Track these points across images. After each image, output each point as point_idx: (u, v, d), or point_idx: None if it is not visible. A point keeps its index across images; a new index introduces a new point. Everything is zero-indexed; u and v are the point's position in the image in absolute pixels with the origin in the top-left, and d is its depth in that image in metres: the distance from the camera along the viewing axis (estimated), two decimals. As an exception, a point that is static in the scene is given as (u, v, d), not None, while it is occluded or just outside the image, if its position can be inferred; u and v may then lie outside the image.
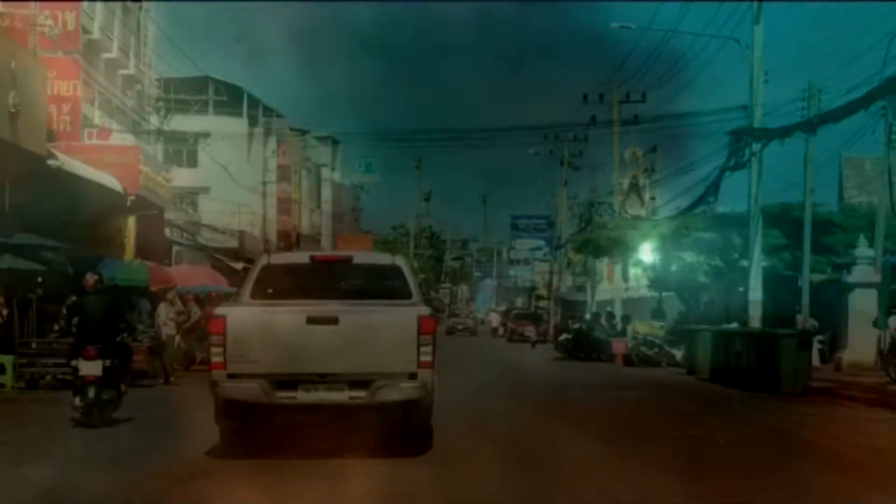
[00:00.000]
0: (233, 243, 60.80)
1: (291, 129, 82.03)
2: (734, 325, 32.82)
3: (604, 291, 75.36)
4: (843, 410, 22.66)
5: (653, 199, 60.59)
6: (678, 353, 36.70)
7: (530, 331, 62.09)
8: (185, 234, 55.78)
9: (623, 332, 40.74)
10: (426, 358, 13.00)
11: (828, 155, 37.05)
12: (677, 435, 17.29)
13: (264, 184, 72.37)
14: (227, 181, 66.66)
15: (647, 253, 38.04)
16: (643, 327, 38.42)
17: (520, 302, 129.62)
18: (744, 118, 36.01)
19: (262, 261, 14.80)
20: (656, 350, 37.18)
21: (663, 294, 49.78)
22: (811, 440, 17.34)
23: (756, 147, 34.69)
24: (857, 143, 35.91)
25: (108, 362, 17.52)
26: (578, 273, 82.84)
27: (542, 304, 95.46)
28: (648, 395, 25.69)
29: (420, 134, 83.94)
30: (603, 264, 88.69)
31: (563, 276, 73.98)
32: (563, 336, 47.69)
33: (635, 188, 67.50)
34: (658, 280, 45.80)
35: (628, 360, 37.60)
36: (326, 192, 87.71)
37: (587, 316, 46.75)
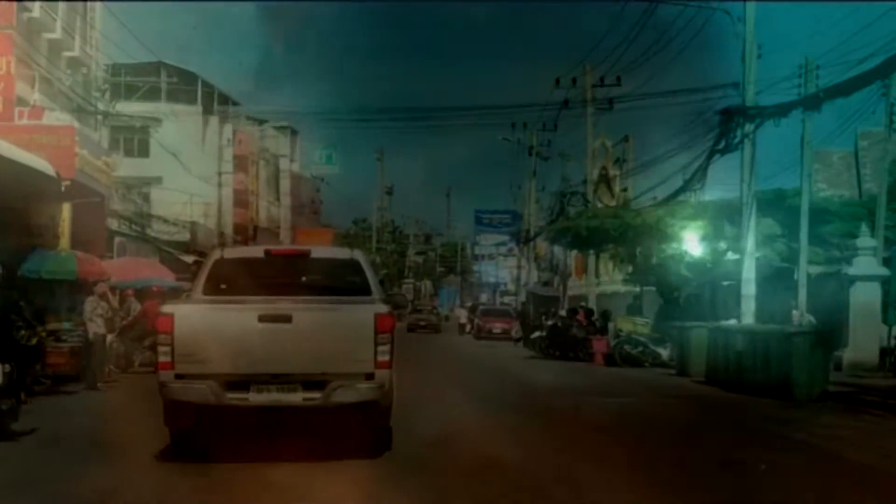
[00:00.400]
0: (184, 236, 57.13)
1: (249, 119, 78.53)
2: (732, 322, 29.53)
3: (573, 286, 72.20)
4: (873, 421, 19.46)
5: (624, 190, 57.32)
6: (664, 353, 33.48)
7: (499, 327, 58.80)
8: (133, 226, 52.06)
9: (603, 330, 37.43)
10: (384, 357, 12.38)
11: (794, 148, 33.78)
12: (707, 461, 13.95)
13: (219, 174, 68.68)
14: (181, 172, 63.14)
15: (692, 242, 34.04)
16: (626, 324, 35.11)
17: (484, 298, 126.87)
18: (736, 96, 32.84)
19: (215, 255, 14.20)
20: (641, 349, 33.91)
21: (641, 289, 46.70)
22: (864, 462, 14.11)
23: (749, 128, 31.49)
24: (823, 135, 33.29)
25: (6, 367, 14.90)
26: (545, 268, 79.69)
27: (508, 299, 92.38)
28: (646, 403, 22.33)
29: (382, 114, 79.28)
30: (571, 258, 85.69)
31: (530, 271, 70.61)
32: (536, 333, 44.39)
33: (605, 179, 64.95)
34: (638, 274, 42.54)
35: (610, 360, 34.31)
36: (285, 184, 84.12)
37: (561, 312, 43.39)
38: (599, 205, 49.09)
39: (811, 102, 28.84)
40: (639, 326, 34.90)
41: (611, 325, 36.65)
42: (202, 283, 13.68)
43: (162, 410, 12.75)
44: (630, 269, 44.14)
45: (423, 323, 67.87)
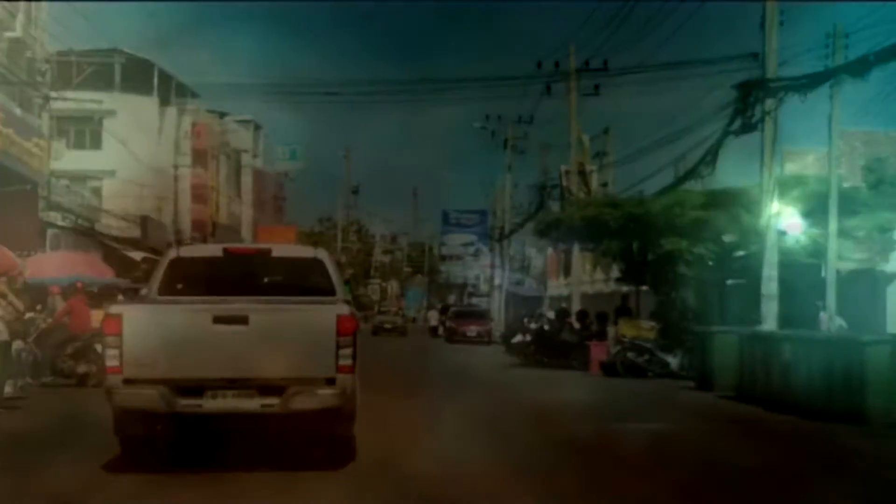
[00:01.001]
0: (136, 231, 51.88)
1: (209, 112, 73.32)
2: (767, 327, 24.72)
3: (549, 287, 67.46)
4: None
5: (605, 185, 52.40)
6: (673, 361, 28.68)
7: (474, 330, 53.85)
8: (78, 220, 46.76)
9: (600, 335, 32.53)
10: (345, 362, 11.49)
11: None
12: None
13: (175, 167, 63.40)
14: (136, 165, 57.97)
15: (793, 223, 28.56)
16: (630, 329, 30.12)
17: (452, 299, 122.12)
18: (755, 68, 28.15)
19: (171, 253, 13.47)
20: (646, 357, 29.04)
21: (632, 289, 41.88)
22: None
23: (770, 103, 26.81)
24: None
25: None
26: (516, 268, 74.82)
27: (476, 300, 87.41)
28: (686, 431, 17.36)
29: (350, 86, 73.69)
30: (545, 256, 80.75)
31: (505, 270, 65.62)
32: (518, 338, 39.46)
33: (582, 175, 61.12)
34: (632, 271, 37.65)
35: (609, 369, 29.40)
36: (247, 180, 78.90)
37: (548, 314, 38.45)
38: (583, 194, 44.11)
39: (856, 68, 23.97)
40: (644, 331, 29.96)
41: (611, 330, 31.68)
42: (157, 283, 13.02)
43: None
44: (622, 266, 39.28)
45: (388, 325, 63.01)
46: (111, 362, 11.41)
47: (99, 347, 17.77)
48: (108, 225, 51.55)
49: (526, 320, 41.01)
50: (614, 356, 29.35)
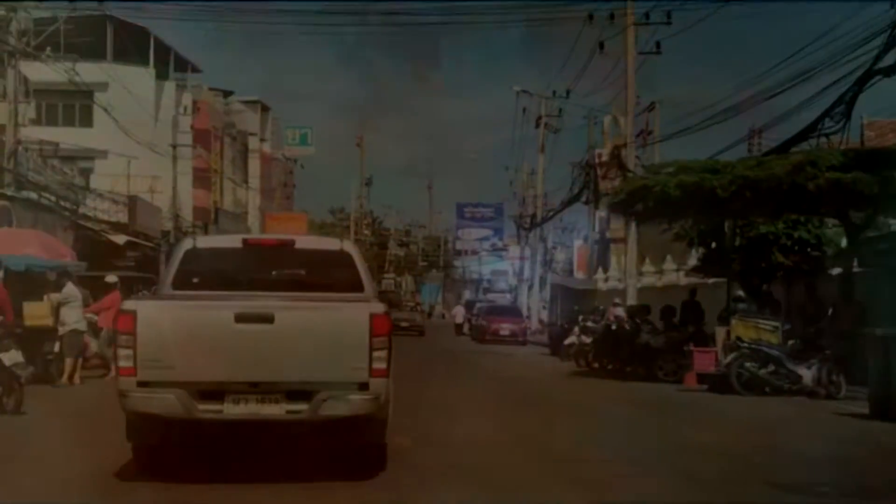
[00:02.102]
0: (124, 214, 43.94)
1: (212, 90, 65.52)
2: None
3: (584, 283, 59.62)
4: None
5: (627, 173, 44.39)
6: (807, 374, 20.73)
7: (507, 329, 45.88)
8: (60, 201, 38.93)
9: (701, 338, 24.54)
10: (380, 365, 10.15)
11: None
12: None
13: (174, 146, 55.42)
14: (131, 146, 50.17)
15: None
16: (747, 330, 21.97)
17: (467, 294, 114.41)
18: None
19: (186, 244, 11.95)
20: (771, 368, 21.03)
21: (703, 281, 34.02)
22: None
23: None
24: None
25: None
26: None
27: (492, 296, 79.60)
28: None
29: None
30: (573, 247, 72.74)
31: (535, 264, 57.57)
32: (572, 339, 31.59)
33: (617, 161, 53.54)
34: (713, 259, 29.72)
35: (719, 383, 21.43)
36: (254, 165, 71.00)
37: (616, 310, 30.37)
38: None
39: None
40: (765, 333, 21.89)
41: (719, 331, 23.54)
42: (171, 277, 11.47)
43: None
44: (700, 252, 31.40)
45: (404, 324, 51.86)
46: (124, 363, 10.13)
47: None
48: (96, 207, 43.74)
49: (581, 318, 33.07)
50: (727, 366, 21.31)
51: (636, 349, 25.47)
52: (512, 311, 48.93)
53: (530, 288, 60.09)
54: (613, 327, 28.01)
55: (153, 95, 56.96)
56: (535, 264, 56.75)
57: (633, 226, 38.67)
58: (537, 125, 55.48)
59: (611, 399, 20.81)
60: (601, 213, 64.53)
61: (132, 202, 42.70)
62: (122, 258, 38.39)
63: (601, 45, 38.48)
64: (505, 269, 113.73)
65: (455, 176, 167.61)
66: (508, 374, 27.68)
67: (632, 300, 37.61)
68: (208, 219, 58.38)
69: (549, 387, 24.10)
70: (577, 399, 20.78)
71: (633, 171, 38.17)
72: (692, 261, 41.22)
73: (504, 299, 69.56)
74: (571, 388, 23.94)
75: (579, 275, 66.37)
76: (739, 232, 28.52)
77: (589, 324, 31.73)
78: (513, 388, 23.25)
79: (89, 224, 37.64)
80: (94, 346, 22.46)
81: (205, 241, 13.22)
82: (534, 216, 57.08)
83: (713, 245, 30.37)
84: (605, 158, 65.37)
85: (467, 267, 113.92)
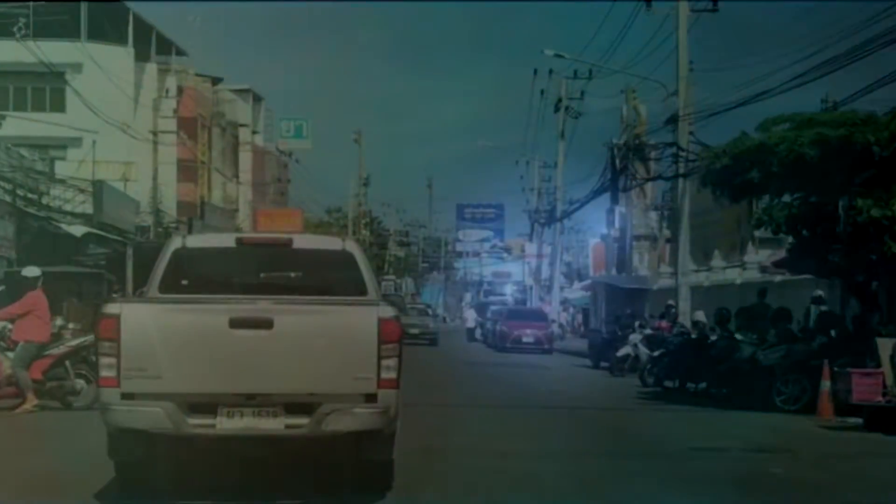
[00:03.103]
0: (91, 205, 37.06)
1: (200, 76, 58.67)
2: None
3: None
4: None
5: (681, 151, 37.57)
6: None
7: (531, 335, 39.07)
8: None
9: (833, 351, 17.65)
10: (389, 375, 9.05)
11: None
12: None
13: (154, 133, 48.60)
14: (108, 133, 43.63)
15: None
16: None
17: (468, 297, 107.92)
18: None
19: (175, 243, 10.75)
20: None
21: (776, 279, 27.35)
22: None
23: None
24: None
25: None
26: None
27: (493, 299, 72.86)
28: None
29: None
30: (588, 247, 65.88)
31: (556, 262, 50.77)
32: (627, 350, 24.87)
33: (639, 152, 47.22)
34: (807, 251, 22.85)
35: (884, 417, 14.62)
36: (246, 158, 64.14)
37: (697, 315, 23.32)
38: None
39: None
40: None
41: (885, 344, 16.65)
42: (159, 278, 10.40)
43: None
44: (789, 242, 24.56)
45: (414, 330, 42.23)
46: (106, 373, 9.09)
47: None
48: (59, 196, 36.97)
49: (638, 324, 26.30)
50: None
51: (737, 367, 18.64)
52: (535, 315, 41.94)
53: (549, 289, 53.37)
54: (692, 336, 21.22)
55: (133, 78, 50.16)
56: (556, 262, 49.86)
57: (685, 214, 31.94)
58: (556, 109, 48.68)
59: (737, 440, 14.01)
60: (621, 208, 57.95)
61: (97, 188, 35.74)
62: (82, 254, 31.65)
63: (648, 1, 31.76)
64: (507, 271, 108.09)
65: (457, 174, 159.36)
66: (558, 398, 20.90)
67: (684, 302, 30.90)
68: (194, 214, 51.49)
69: (627, 420, 17.39)
70: (682, 441, 13.93)
71: (688, 150, 31.48)
72: (753, 255, 34.57)
73: (509, 302, 62.71)
74: (658, 421, 17.24)
75: (597, 274, 59.83)
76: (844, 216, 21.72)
77: (646, 332, 25.05)
78: (578, 422, 16.64)
79: (30, 210, 30.65)
80: (5, 365, 15.93)
81: (195, 241, 11.66)
82: (552, 210, 50.19)
83: (804, 233, 23.55)
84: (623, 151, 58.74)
85: (468, 269, 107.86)
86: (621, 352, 25.82)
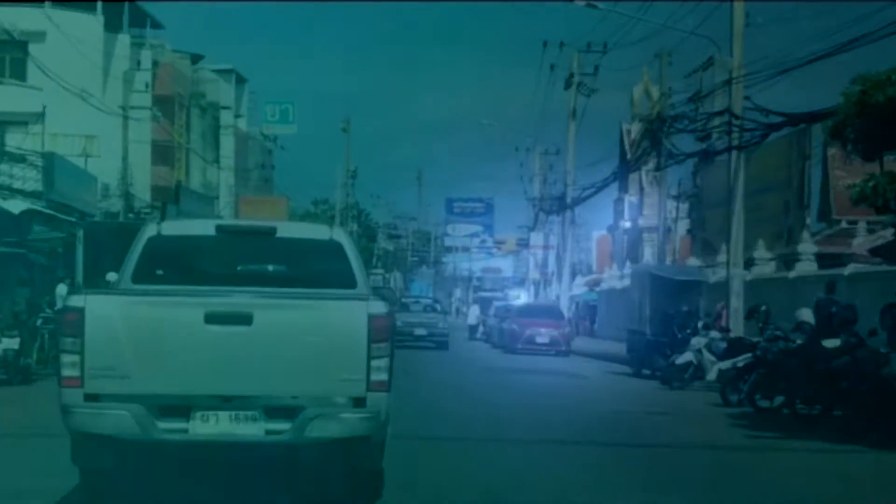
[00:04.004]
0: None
1: (177, 53, 52.94)
2: None
3: (612, 278, 47.32)
4: None
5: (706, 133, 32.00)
6: None
7: (546, 335, 33.50)
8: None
9: None
10: (379, 376, 8.16)
11: None
12: None
13: (124, 109, 42.86)
14: (73, 106, 38.21)
15: None
16: None
17: (458, 293, 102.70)
18: None
19: (150, 230, 9.81)
20: None
21: (845, 272, 21.92)
22: None
23: None
24: None
25: None
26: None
27: (485, 295, 67.25)
28: None
29: None
30: (592, 241, 60.32)
31: (568, 251, 45.11)
32: (689, 357, 19.35)
33: (651, 137, 42.46)
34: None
35: None
36: (228, 142, 58.38)
37: (802, 314, 17.57)
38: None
39: None
40: None
41: None
42: (132, 269, 9.56)
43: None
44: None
45: (420, 330, 36.02)
46: (68, 371, 8.15)
47: None
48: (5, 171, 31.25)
49: (701, 324, 20.82)
50: None
51: (886, 387, 13.08)
52: (550, 312, 35.95)
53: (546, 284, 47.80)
54: (797, 342, 15.66)
55: (102, 48, 44.43)
56: (566, 254, 44.20)
57: (739, 195, 26.39)
58: (567, 86, 43.12)
59: None
60: (631, 197, 52.56)
61: (48, 163, 29.98)
62: (26, 236, 25.96)
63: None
64: (497, 267, 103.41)
65: (450, 164, 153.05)
66: (628, 425, 15.31)
67: (737, 298, 25.45)
68: (168, 199, 45.80)
69: (749, 466, 11.84)
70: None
71: (742, 117, 26.00)
72: (809, 246, 29.07)
73: (502, 298, 57.00)
74: (792, 470, 11.67)
75: (610, 269, 54.68)
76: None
77: (713, 335, 19.51)
78: (684, 468, 11.14)
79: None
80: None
81: (171, 227, 10.20)
82: (562, 197, 44.56)
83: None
84: (634, 137, 53.40)
85: (458, 264, 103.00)
86: (681, 359, 20.28)
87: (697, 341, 20.33)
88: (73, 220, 29.25)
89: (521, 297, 55.37)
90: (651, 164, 34.12)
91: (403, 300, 39.10)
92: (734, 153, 26.33)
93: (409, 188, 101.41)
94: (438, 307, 39.21)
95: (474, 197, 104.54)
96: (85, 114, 39.14)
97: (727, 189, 26.86)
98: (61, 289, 24.27)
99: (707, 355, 19.87)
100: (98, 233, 26.41)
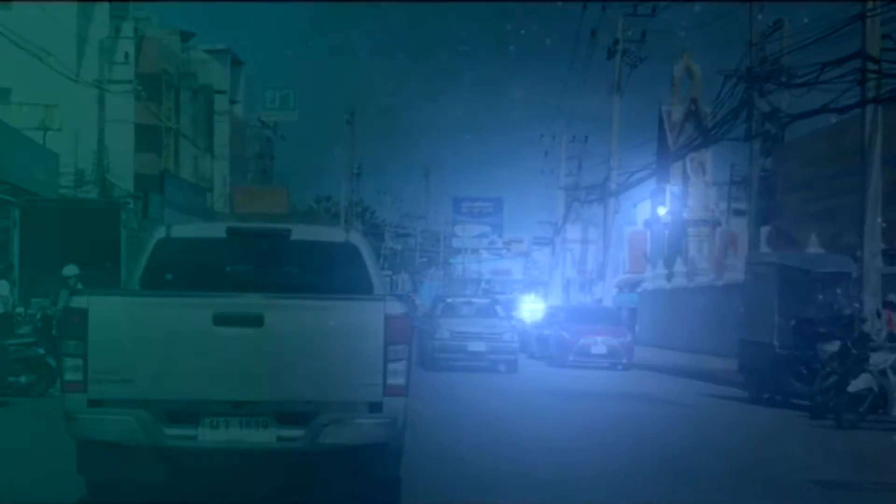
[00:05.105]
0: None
1: (165, 29, 46.44)
2: None
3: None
4: None
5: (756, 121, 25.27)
6: None
7: (602, 345, 26.73)
8: None
9: None
10: (397, 380, 7.66)
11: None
12: None
13: (99, 84, 36.30)
14: (48, 84, 32.17)
15: None
16: None
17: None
18: None
19: (159, 233, 9.41)
20: None
21: None
22: None
23: None
24: None
25: None
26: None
27: (488, 294, 60.77)
28: None
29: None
30: (625, 237, 53.74)
31: (608, 247, 38.62)
32: (868, 382, 12.56)
33: (694, 117, 37.28)
34: None
35: None
36: (222, 129, 51.81)
37: None
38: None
39: None
40: None
41: None
42: (140, 272, 9.21)
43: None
44: None
45: (478, 346, 25.52)
46: (71, 375, 7.69)
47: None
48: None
49: (885, 334, 14.14)
50: None
51: None
52: (606, 317, 28.42)
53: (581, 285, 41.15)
54: None
55: (76, 19, 37.96)
56: (608, 249, 37.44)
57: (876, 164, 19.70)
58: (610, 55, 36.51)
59: None
60: (673, 186, 46.02)
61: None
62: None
63: None
64: (507, 269, 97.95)
65: (459, 162, 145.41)
66: None
67: (870, 296, 18.85)
68: (152, 187, 39.25)
69: None
70: None
71: (881, 59, 19.39)
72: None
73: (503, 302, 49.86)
74: None
75: (637, 273, 48.18)
76: None
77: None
78: None
79: None
80: None
81: (181, 231, 9.83)
82: (604, 183, 37.85)
83: None
84: (675, 118, 47.16)
85: (466, 266, 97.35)
86: (854, 386, 13.58)
87: (878, 359, 13.73)
88: (7, 198, 22.64)
89: (535, 303, 48.32)
90: (704, 147, 27.42)
91: (448, 300, 30.11)
92: (869, 109, 19.71)
93: (418, 185, 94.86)
94: (500, 310, 28.73)
95: (482, 196, 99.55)
96: (51, 83, 32.85)
97: (807, 170, 20.45)
98: (2, 286, 18.27)
99: (894, 379, 13.28)
100: (39, 213, 20.01)
